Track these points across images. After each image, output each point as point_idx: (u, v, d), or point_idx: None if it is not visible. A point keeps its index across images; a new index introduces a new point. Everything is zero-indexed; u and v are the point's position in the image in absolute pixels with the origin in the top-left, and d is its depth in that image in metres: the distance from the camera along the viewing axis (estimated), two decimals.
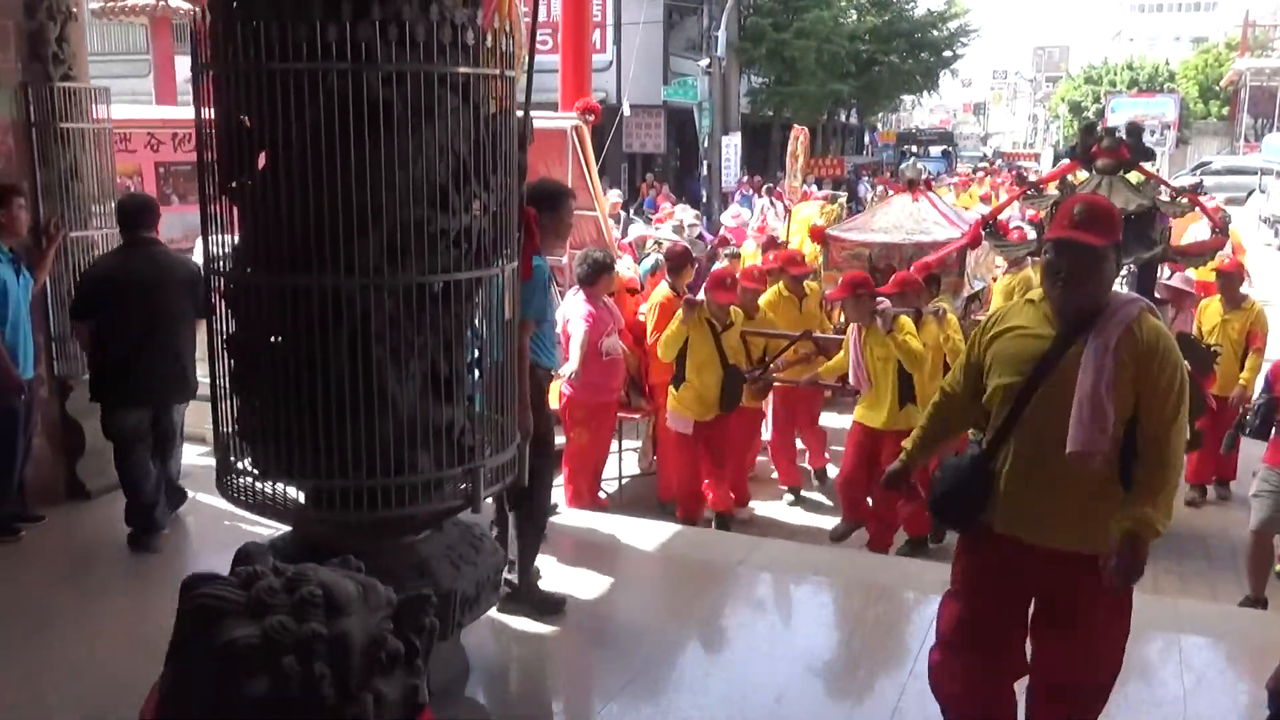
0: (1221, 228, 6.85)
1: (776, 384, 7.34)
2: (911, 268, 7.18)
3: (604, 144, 14.74)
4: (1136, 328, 3.00)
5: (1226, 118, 49.07)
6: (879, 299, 6.33)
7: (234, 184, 3.37)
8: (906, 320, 6.27)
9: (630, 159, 27.97)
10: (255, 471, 3.54)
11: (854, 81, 32.71)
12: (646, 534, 5.67)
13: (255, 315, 3.46)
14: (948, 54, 35.95)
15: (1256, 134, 41.56)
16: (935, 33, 34.71)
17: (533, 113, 3.98)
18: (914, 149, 40.41)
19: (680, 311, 6.56)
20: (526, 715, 4.02)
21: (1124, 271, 7.30)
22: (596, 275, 6.15)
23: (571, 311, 6.28)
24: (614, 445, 7.07)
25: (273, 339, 3.40)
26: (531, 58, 3.77)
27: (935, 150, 40.75)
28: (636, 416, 7.37)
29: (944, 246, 7.74)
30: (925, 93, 41.55)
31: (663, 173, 28.37)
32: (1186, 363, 6.79)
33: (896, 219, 8.54)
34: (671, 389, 6.69)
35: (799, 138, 13.56)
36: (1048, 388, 3.05)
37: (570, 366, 6.17)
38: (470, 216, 3.49)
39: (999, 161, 42.47)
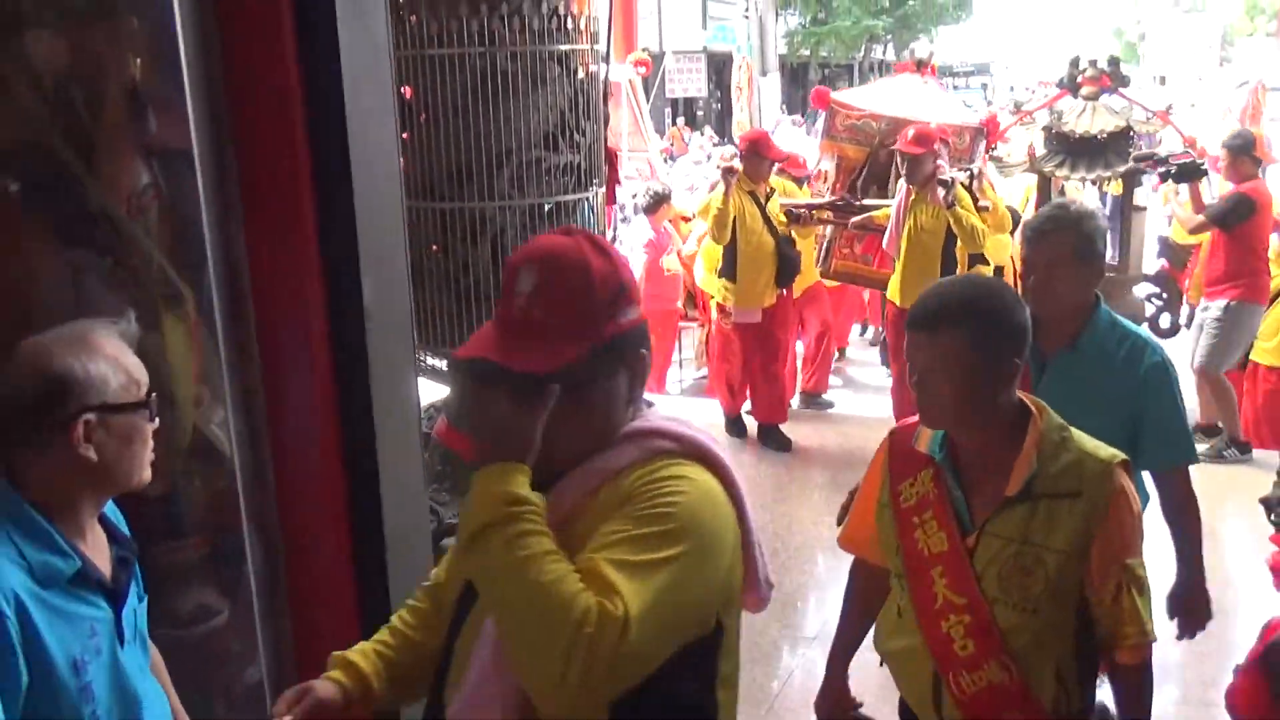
0: (1190, 144, 7.91)
1: (825, 222, 7.19)
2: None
3: (650, 91, 15.89)
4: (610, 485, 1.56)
5: (1272, 33, 48.67)
6: (940, 163, 6.01)
7: (402, 137, 4.67)
8: (966, 194, 5.97)
9: (673, 103, 28.97)
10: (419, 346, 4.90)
11: (888, 17, 33.30)
12: (706, 412, 6.99)
13: (419, 233, 4.77)
14: None
15: None
16: None
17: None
18: (952, 82, 40.77)
19: (717, 193, 6.38)
20: None
21: (1102, 184, 8.23)
22: (658, 204, 7.40)
23: (636, 236, 7.54)
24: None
25: (433, 249, 4.72)
26: (609, 36, 5.00)
27: (974, 83, 41.07)
28: (694, 325, 8.63)
29: (965, 128, 7.53)
30: (960, 22, 41.79)
31: (705, 116, 29.33)
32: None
33: (906, 96, 8.03)
34: (725, 283, 6.51)
35: (741, 67, 12.66)
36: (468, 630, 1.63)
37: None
38: (570, 155, 4.75)
39: (1038, 90, 42.52)
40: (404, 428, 2.27)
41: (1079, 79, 7.86)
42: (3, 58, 1.76)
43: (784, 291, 6.57)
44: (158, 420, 1.67)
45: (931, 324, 2.01)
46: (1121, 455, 2.09)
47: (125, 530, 1.75)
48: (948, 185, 5.78)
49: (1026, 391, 2.22)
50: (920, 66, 8.29)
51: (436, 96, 4.54)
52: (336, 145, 2.04)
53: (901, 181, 6.22)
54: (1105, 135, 7.59)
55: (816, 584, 5.21)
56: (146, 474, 1.68)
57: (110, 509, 1.74)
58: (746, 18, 27.48)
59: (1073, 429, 2.10)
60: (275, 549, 2.14)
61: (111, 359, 1.60)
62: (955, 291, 2.09)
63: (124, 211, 1.86)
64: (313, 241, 2.07)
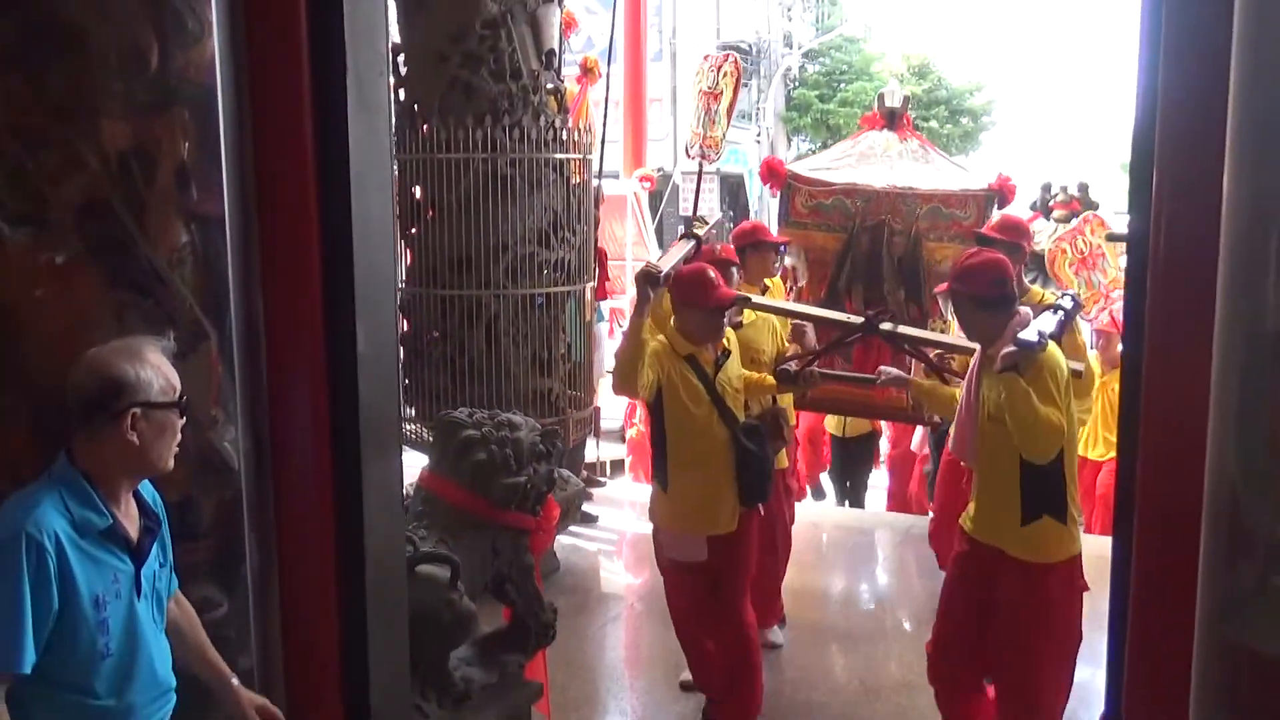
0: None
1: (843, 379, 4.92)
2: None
3: (659, 207, 16.60)
4: None
5: None
6: (1018, 310, 3.36)
7: (411, 230, 5.18)
8: (1054, 358, 3.29)
9: (686, 220, 29.86)
10: (416, 420, 5.31)
11: None
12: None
13: (420, 316, 5.23)
14: (986, 119, 37.43)
15: None
16: (972, 99, 36.19)
17: (604, 180, 5.76)
18: None
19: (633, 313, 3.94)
20: (600, 596, 5.65)
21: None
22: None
23: None
24: None
25: (434, 333, 5.17)
26: (602, 148, 5.54)
27: None
28: None
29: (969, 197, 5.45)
30: (969, 153, 42.97)
31: (718, 234, 30.12)
32: None
33: (883, 161, 5.77)
34: (658, 490, 3.98)
35: (721, 68, 6.21)
36: None
37: None
38: (562, 251, 5.23)
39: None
40: (387, 456, 2.67)
41: (1050, 203, 8.41)
42: (79, 138, 2.24)
43: (749, 512, 3.96)
44: (185, 418, 2.09)
45: None
46: None
47: (157, 510, 2.15)
48: (1029, 347, 3.16)
49: None
50: (892, 119, 5.87)
51: (443, 195, 5.05)
52: (342, 221, 2.51)
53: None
54: None
55: None
56: (170, 462, 2.09)
57: (150, 492, 2.15)
58: (759, 142, 28.53)
59: None
60: (270, 554, 2.52)
61: (155, 367, 2.03)
62: None
63: (165, 263, 2.30)
64: (318, 297, 2.52)
